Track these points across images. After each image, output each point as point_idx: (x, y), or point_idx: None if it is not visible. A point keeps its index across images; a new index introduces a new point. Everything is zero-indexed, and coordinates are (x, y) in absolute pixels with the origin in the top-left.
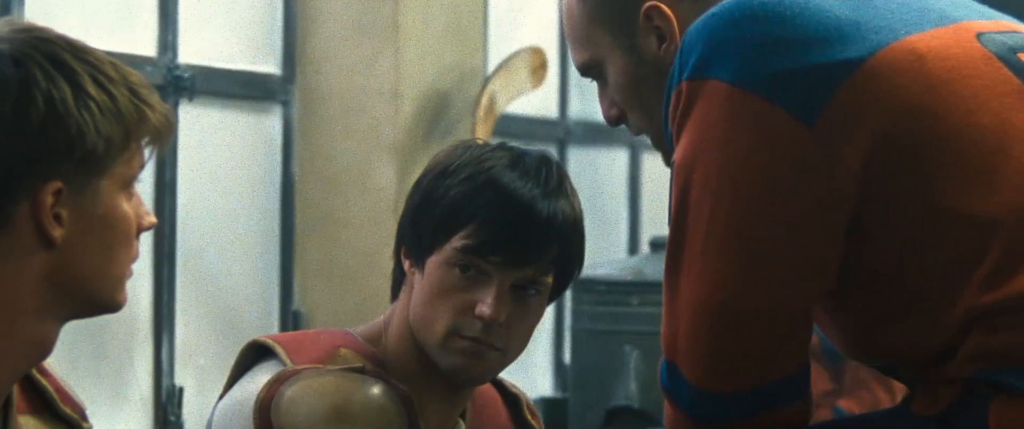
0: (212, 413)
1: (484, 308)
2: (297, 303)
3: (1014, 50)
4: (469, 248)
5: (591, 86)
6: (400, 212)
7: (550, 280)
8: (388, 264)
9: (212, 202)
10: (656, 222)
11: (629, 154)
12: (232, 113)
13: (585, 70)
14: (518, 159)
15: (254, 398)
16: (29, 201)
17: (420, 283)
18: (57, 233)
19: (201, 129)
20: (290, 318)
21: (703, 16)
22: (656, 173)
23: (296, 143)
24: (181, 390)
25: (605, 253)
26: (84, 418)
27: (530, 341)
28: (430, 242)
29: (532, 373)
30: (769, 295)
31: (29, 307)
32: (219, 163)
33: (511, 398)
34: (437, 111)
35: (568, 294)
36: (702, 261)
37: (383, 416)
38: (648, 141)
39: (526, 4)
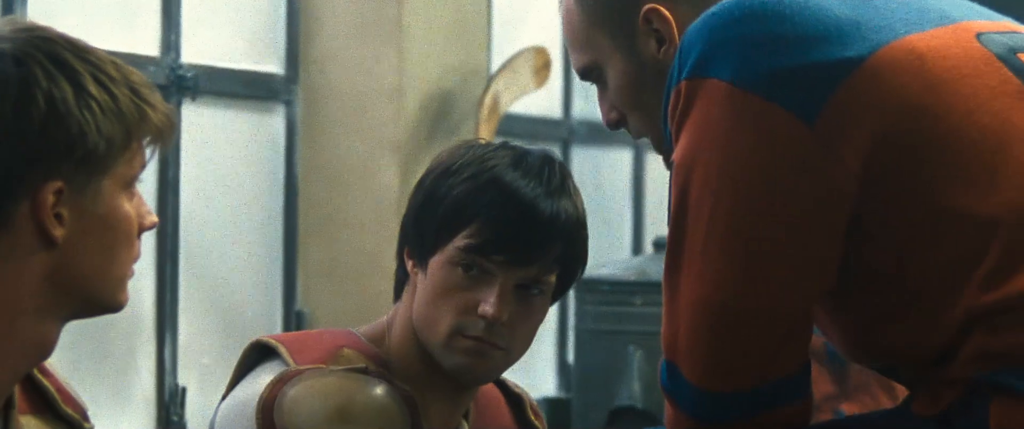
0: (215, 413)
1: (487, 307)
2: (300, 303)
3: (1014, 50)
4: (472, 247)
5: (594, 87)
6: (403, 212)
7: (553, 280)
8: (391, 264)
9: (215, 202)
10: (660, 222)
11: (633, 154)
12: (235, 113)
13: (585, 74)
14: (521, 158)
15: (257, 398)
16: (30, 201)
17: (423, 283)
18: (58, 233)
19: (204, 129)
20: (293, 318)
21: (702, 15)
22: (660, 173)
23: (299, 143)
24: (184, 390)
25: (609, 253)
26: (86, 418)
27: (533, 341)
28: (433, 242)
29: (535, 373)
30: (769, 295)
31: (30, 307)
32: (222, 163)
33: (514, 398)
34: (441, 111)
35: (571, 294)
36: (702, 261)
37: (386, 416)
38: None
39: (530, 4)
